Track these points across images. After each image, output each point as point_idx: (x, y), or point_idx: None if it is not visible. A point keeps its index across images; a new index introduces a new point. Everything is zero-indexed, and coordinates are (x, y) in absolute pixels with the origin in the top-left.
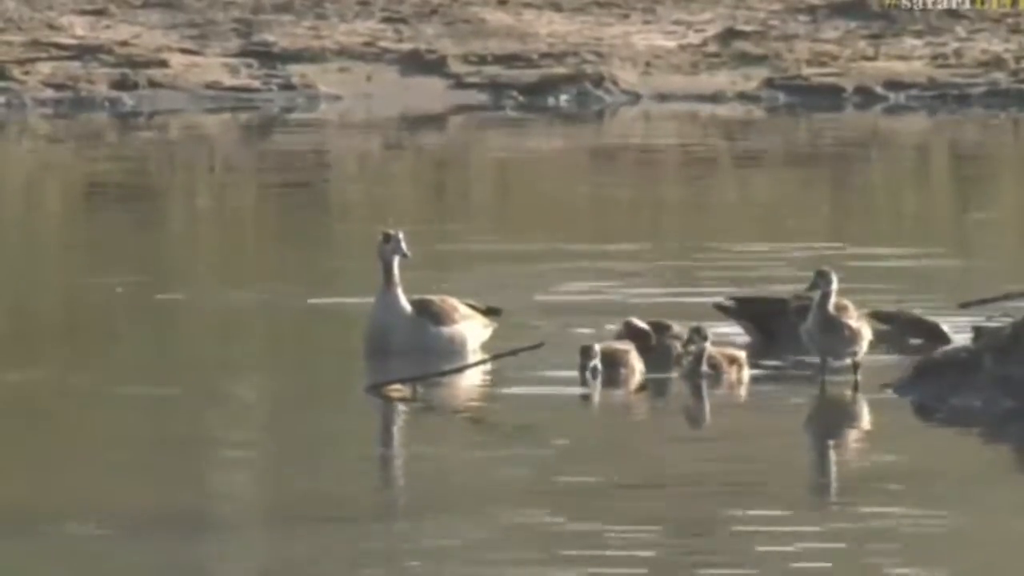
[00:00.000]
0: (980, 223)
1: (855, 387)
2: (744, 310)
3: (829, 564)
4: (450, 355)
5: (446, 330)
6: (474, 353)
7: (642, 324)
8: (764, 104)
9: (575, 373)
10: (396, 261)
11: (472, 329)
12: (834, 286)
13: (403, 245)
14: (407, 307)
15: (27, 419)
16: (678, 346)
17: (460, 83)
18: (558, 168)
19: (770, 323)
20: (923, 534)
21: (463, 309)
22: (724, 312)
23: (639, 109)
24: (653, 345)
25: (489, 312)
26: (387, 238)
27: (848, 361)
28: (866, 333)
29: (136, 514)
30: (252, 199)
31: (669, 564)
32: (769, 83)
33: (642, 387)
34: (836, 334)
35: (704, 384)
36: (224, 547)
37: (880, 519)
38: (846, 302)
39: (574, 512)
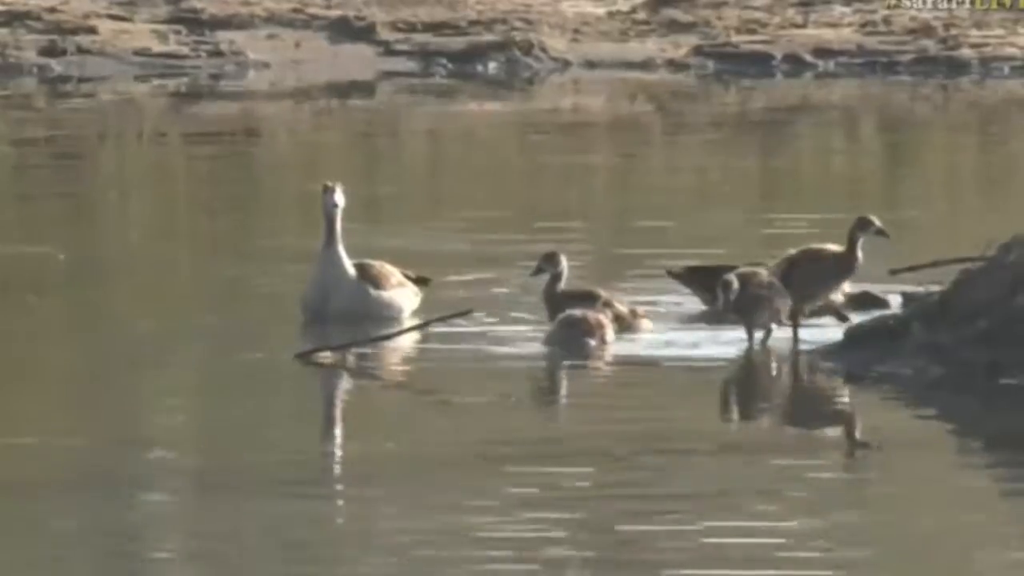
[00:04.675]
0: (910, 190)
1: (764, 348)
2: (696, 277)
3: (749, 535)
4: (387, 321)
5: (385, 295)
6: (407, 320)
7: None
8: (693, 72)
9: (502, 339)
10: (339, 216)
11: (406, 296)
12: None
13: (336, 195)
14: (350, 269)
15: None
16: (609, 314)
17: (389, 50)
18: (487, 135)
19: None
20: (846, 500)
21: (398, 275)
22: (676, 279)
23: (568, 76)
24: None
25: (419, 281)
26: (325, 189)
27: (772, 328)
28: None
29: (65, 480)
30: (180, 165)
31: (591, 537)
32: (698, 51)
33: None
34: (754, 304)
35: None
36: (150, 514)
37: (803, 484)
38: (758, 270)
39: (504, 479)
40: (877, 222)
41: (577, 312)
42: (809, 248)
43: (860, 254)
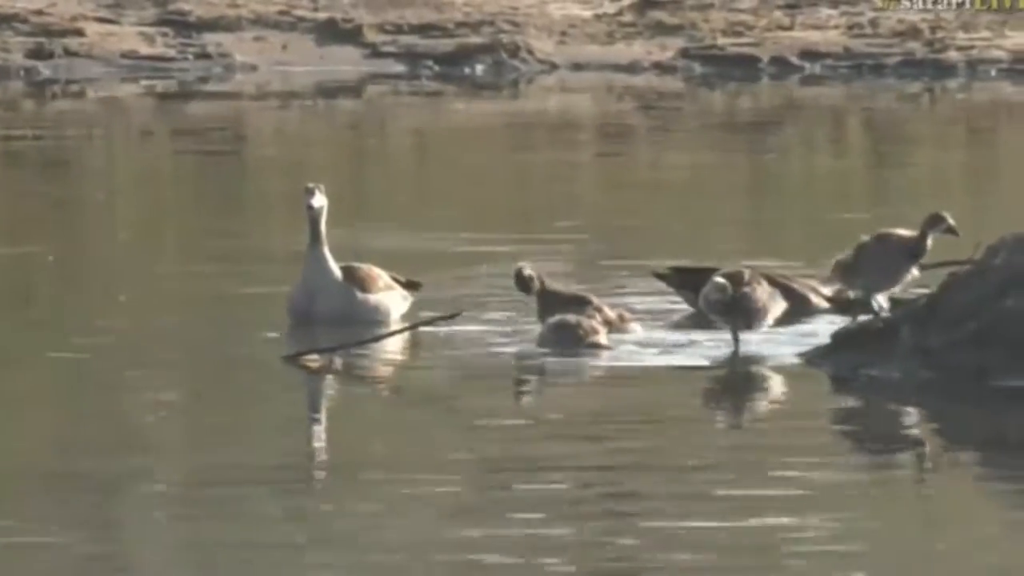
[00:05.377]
0: (897, 192)
1: (735, 352)
2: (682, 279)
3: (733, 537)
4: (374, 324)
5: (372, 298)
6: (395, 324)
7: (530, 271)
8: (680, 74)
9: (491, 343)
10: (322, 218)
11: (394, 299)
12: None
13: (315, 197)
14: (336, 271)
15: None
16: (598, 318)
17: (376, 52)
18: (474, 136)
19: None
20: (834, 505)
21: (387, 278)
22: (662, 280)
23: (554, 79)
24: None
25: (409, 285)
26: (305, 191)
27: (757, 331)
28: (769, 304)
29: (49, 481)
30: (168, 167)
31: (577, 542)
32: (684, 53)
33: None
34: (739, 306)
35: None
36: (136, 515)
37: (790, 489)
38: (743, 271)
39: (492, 483)
40: (949, 220)
41: (571, 317)
42: (879, 232)
43: (930, 242)
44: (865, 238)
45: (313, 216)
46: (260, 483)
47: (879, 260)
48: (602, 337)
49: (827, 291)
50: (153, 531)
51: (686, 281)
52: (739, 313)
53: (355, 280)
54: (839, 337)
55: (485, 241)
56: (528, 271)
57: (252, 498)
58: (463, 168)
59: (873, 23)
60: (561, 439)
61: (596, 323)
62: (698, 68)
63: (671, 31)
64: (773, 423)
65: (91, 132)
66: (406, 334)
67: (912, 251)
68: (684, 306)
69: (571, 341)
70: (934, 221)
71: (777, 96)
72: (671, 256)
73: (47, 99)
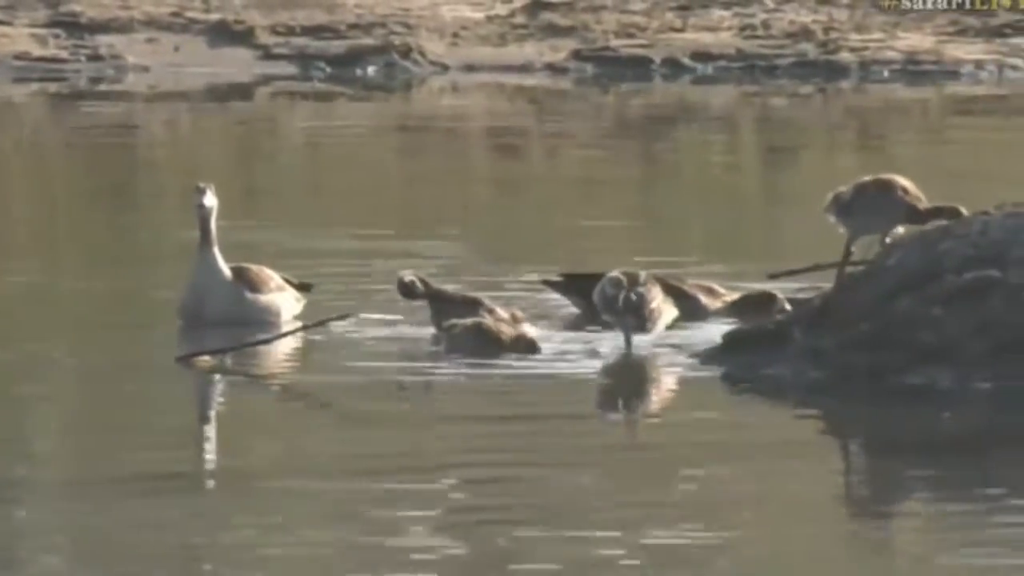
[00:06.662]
0: (789, 194)
1: (628, 354)
2: (572, 285)
3: (617, 534)
4: (265, 325)
5: (263, 298)
6: (287, 325)
7: (411, 277)
8: (572, 76)
9: (382, 344)
10: (213, 218)
11: (285, 300)
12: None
13: (206, 197)
14: (226, 271)
15: None
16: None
17: (268, 54)
18: (365, 138)
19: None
20: (718, 502)
21: (278, 279)
22: (552, 287)
23: (447, 80)
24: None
25: (302, 287)
26: (196, 190)
27: (649, 333)
28: (663, 307)
29: None
30: (59, 167)
31: (466, 551)
32: (577, 55)
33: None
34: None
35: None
36: (28, 516)
37: (676, 489)
38: (639, 272)
39: (380, 487)
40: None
41: (479, 321)
42: (882, 177)
43: (929, 222)
44: (867, 178)
45: (203, 216)
46: (152, 487)
47: (877, 204)
48: (504, 343)
49: (723, 291)
50: (38, 541)
51: (577, 287)
52: (632, 313)
53: (245, 281)
54: (731, 338)
55: (376, 238)
56: (409, 277)
57: (144, 503)
58: (354, 169)
59: (765, 24)
60: (436, 442)
61: (513, 328)
62: (590, 69)
63: (563, 33)
64: (664, 426)
65: None
66: (299, 335)
67: (912, 213)
68: (573, 309)
69: (478, 345)
70: (951, 215)
71: (669, 97)
72: (561, 256)
73: None
